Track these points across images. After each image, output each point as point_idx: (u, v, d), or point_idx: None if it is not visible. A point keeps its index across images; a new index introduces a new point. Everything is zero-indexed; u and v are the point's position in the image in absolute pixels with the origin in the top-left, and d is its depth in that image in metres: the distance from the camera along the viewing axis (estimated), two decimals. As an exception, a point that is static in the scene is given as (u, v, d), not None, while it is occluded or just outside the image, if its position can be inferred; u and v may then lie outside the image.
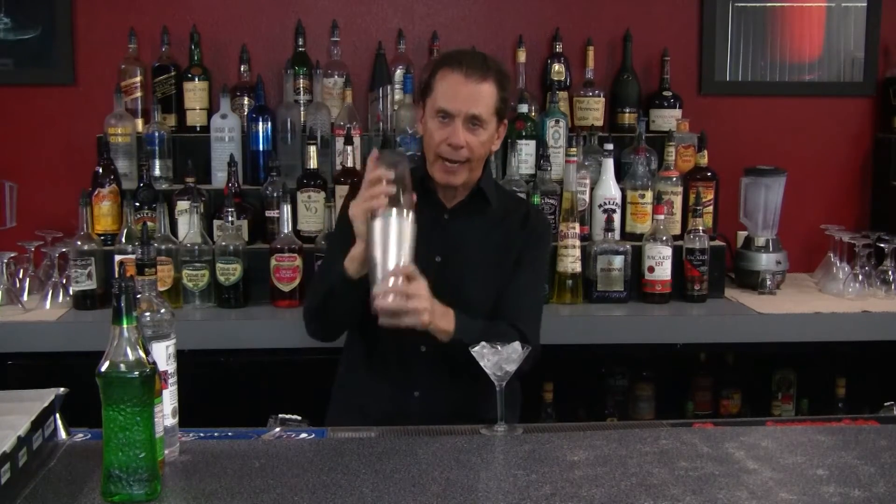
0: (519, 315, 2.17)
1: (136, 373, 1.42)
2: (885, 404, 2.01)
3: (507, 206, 2.29)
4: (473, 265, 2.20)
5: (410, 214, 1.88)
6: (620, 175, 3.13)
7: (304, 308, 2.23)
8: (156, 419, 1.49)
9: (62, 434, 1.72)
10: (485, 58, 2.15)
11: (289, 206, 2.86)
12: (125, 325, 1.43)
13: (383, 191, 1.88)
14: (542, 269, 2.38)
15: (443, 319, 2.01)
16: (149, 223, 2.85)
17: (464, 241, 2.20)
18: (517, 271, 2.22)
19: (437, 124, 2.10)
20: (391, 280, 1.86)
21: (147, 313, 1.58)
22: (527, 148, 3.13)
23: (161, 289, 2.62)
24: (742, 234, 3.32)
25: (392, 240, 1.87)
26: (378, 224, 1.87)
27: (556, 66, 3.35)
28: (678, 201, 3.10)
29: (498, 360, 1.81)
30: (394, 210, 1.87)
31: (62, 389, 1.71)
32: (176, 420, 1.62)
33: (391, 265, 1.86)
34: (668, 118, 3.32)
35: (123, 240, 2.83)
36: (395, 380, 2.19)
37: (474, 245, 2.21)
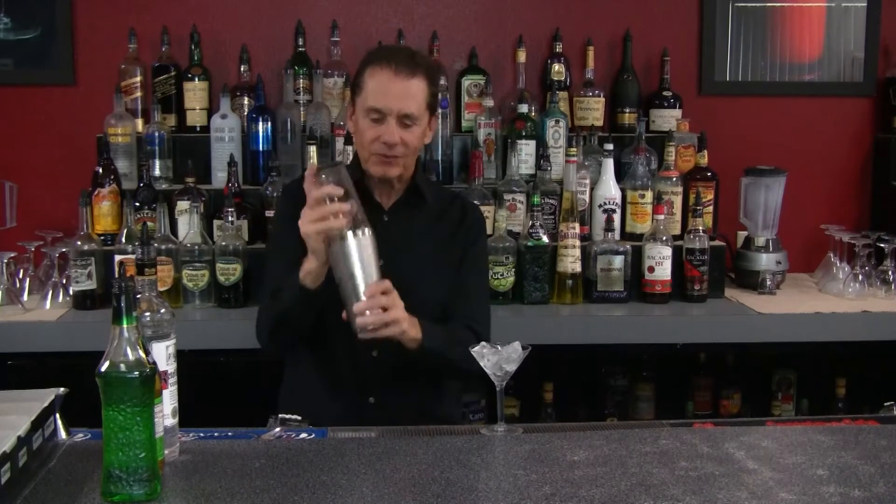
0: (473, 316, 2.19)
1: (136, 373, 1.42)
2: (885, 404, 2.01)
3: (442, 203, 2.29)
4: (417, 265, 2.17)
5: (367, 228, 1.89)
6: (620, 175, 3.13)
7: (258, 324, 2.18)
8: (156, 419, 1.49)
9: (62, 434, 1.71)
10: (412, 52, 2.15)
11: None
12: (125, 325, 1.43)
13: (336, 210, 1.88)
14: (485, 264, 2.41)
15: (413, 328, 2.02)
16: (149, 223, 2.85)
17: (405, 241, 2.19)
18: (462, 271, 2.23)
19: (369, 123, 2.09)
20: (368, 299, 1.89)
21: (147, 313, 1.58)
22: (527, 148, 3.13)
23: (161, 289, 2.62)
24: (742, 234, 3.32)
25: (356, 259, 1.89)
26: (339, 247, 1.88)
27: (556, 66, 3.35)
28: (678, 201, 3.10)
29: (498, 360, 1.81)
30: (350, 231, 1.87)
31: (62, 389, 1.71)
32: (176, 420, 1.62)
33: (363, 285, 1.89)
34: (668, 118, 3.32)
35: (123, 240, 2.83)
36: (349, 386, 2.15)
37: (416, 243, 2.20)
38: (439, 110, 2.22)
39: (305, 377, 2.22)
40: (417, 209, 2.23)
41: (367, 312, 1.90)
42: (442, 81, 3.08)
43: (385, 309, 1.92)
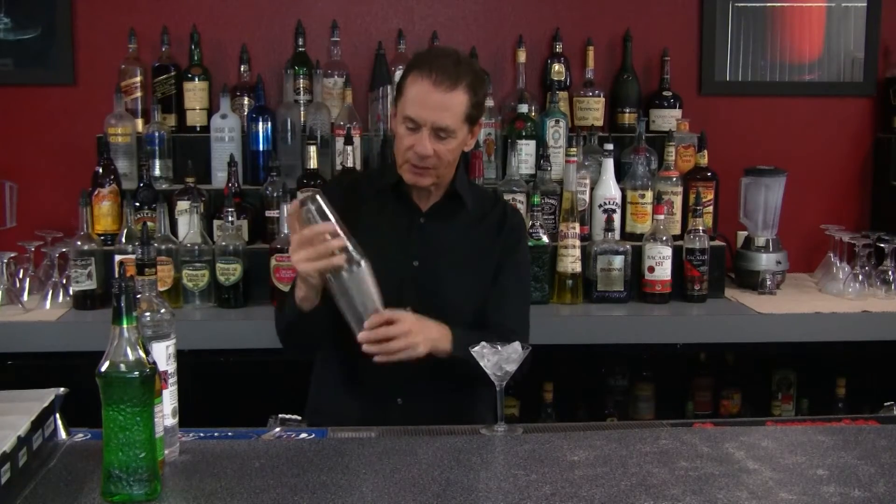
0: (510, 322, 2.15)
1: (136, 373, 1.42)
2: (885, 404, 2.01)
3: (483, 206, 2.26)
4: (452, 268, 2.17)
5: (362, 260, 1.88)
6: (620, 175, 3.13)
7: (276, 328, 2.19)
8: (156, 419, 1.49)
9: (62, 434, 1.71)
10: (457, 61, 2.07)
11: (289, 206, 2.86)
12: (125, 325, 1.43)
13: (332, 247, 1.85)
14: (526, 270, 2.37)
15: (441, 341, 2.01)
16: (149, 223, 2.85)
17: (441, 245, 2.18)
18: (502, 276, 2.20)
19: (405, 130, 2.06)
20: (367, 330, 1.90)
21: (147, 313, 1.58)
22: (527, 148, 3.13)
23: (161, 289, 2.61)
24: (742, 234, 3.32)
25: (355, 294, 1.89)
26: (337, 283, 1.88)
27: (556, 66, 3.35)
28: (678, 201, 3.10)
29: (498, 360, 1.81)
30: (344, 266, 1.86)
31: (62, 389, 1.71)
32: (176, 420, 1.62)
33: (365, 318, 1.90)
34: (668, 118, 3.32)
35: (123, 240, 2.83)
36: (376, 387, 2.14)
37: (452, 248, 2.19)
38: (481, 120, 2.15)
39: (333, 378, 2.21)
40: (455, 214, 2.20)
41: (375, 347, 1.91)
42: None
43: (391, 340, 1.92)
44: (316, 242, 1.86)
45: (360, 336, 1.91)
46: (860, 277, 3.11)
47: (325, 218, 1.86)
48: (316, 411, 2.23)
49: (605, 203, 3.04)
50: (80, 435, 1.74)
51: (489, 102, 3.18)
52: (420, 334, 1.96)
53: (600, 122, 3.31)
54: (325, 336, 2.10)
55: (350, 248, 1.87)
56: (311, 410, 2.25)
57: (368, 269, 1.89)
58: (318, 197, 1.88)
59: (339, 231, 1.86)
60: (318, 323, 2.02)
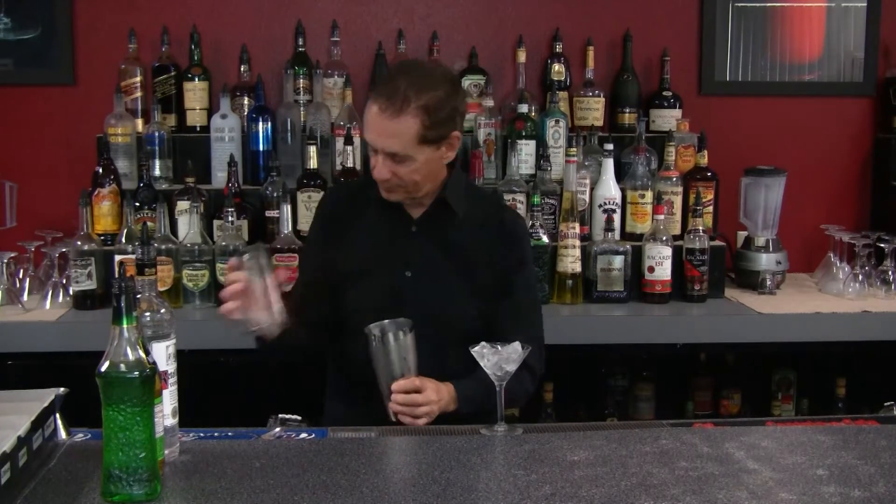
0: (522, 340, 2.15)
1: (136, 373, 1.42)
2: (885, 404, 2.01)
3: (479, 211, 2.21)
4: (446, 278, 2.15)
5: (406, 329, 1.97)
6: (620, 175, 3.13)
7: None
8: (156, 419, 1.49)
9: (62, 434, 1.71)
10: (409, 84, 1.98)
11: (289, 206, 2.86)
12: (125, 325, 1.43)
13: (265, 303, 1.94)
14: (534, 279, 2.36)
15: (449, 404, 2.05)
16: (149, 223, 2.85)
17: (434, 254, 2.16)
18: (514, 293, 2.18)
19: (370, 150, 2.08)
20: (398, 396, 1.99)
21: (147, 313, 1.58)
22: (527, 148, 3.13)
23: (161, 289, 2.62)
24: (742, 234, 3.32)
25: (395, 359, 1.99)
26: (380, 346, 1.98)
27: (556, 66, 3.35)
28: (678, 201, 3.10)
29: (498, 360, 1.81)
30: (391, 333, 1.97)
31: (62, 389, 1.71)
32: (176, 420, 1.62)
33: (396, 381, 1.99)
34: (668, 118, 3.32)
35: (123, 240, 2.84)
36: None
37: (446, 257, 2.16)
38: (455, 133, 2.07)
39: (346, 380, 2.22)
40: (448, 222, 2.16)
41: (398, 409, 1.98)
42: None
43: (416, 406, 1.98)
44: (256, 295, 1.93)
45: (394, 398, 1.97)
46: (860, 277, 3.11)
47: (264, 275, 1.96)
48: (333, 420, 2.20)
49: (605, 203, 3.04)
50: (80, 435, 1.74)
51: (489, 102, 3.18)
52: (437, 403, 2.01)
53: (600, 122, 3.31)
54: (310, 341, 2.16)
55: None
56: (329, 419, 2.25)
57: (412, 337, 1.98)
58: (262, 253, 1.98)
59: (273, 292, 1.95)
60: (288, 342, 2.07)
